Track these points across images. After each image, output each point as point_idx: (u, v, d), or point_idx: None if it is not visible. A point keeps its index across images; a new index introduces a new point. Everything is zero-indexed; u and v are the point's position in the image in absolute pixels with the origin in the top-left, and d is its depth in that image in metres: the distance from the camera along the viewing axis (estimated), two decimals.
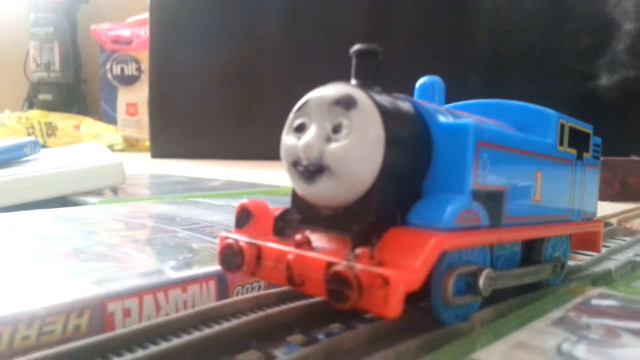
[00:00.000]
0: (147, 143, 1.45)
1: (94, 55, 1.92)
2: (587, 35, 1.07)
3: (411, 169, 0.19)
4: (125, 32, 1.81)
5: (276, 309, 0.20)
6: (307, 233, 0.18)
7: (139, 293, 0.20)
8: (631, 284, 0.28)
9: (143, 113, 1.75)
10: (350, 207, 0.18)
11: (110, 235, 0.29)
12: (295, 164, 0.18)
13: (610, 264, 0.32)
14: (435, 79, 0.24)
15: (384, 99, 0.18)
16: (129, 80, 1.83)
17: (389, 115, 0.18)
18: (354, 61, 0.19)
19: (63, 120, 1.71)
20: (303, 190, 0.18)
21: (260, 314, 0.20)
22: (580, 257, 0.34)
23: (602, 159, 0.90)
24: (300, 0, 1.28)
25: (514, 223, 0.22)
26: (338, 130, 0.17)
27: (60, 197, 0.48)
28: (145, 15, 1.48)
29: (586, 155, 0.28)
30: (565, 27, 1.12)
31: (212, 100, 1.36)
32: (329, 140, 0.17)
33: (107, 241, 0.27)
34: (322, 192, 0.18)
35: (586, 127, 0.28)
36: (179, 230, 0.31)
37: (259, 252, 0.18)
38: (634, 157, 0.82)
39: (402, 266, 0.16)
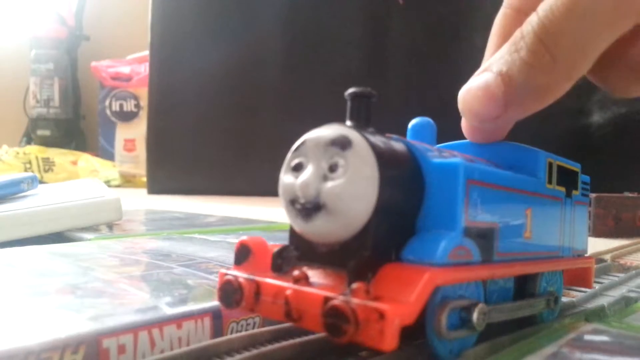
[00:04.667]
0: (144, 179, 1.45)
1: (93, 91, 1.94)
2: None
3: (404, 206, 0.20)
4: (125, 69, 1.84)
5: (270, 347, 0.20)
6: (305, 269, 0.19)
7: (134, 329, 0.20)
8: (625, 320, 0.28)
9: (140, 149, 1.76)
10: (346, 243, 0.18)
11: (106, 272, 0.29)
12: (293, 202, 0.19)
13: (604, 300, 0.32)
14: (427, 120, 0.24)
15: (378, 140, 0.19)
16: (128, 117, 1.85)
17: (383, 155, 0.18)
18: (348, 103, 0.20)
19: (60, 156, 1.72)
20: (300, 227, 0.19)
21: (255, 352, 0.20)
22: (574, 293, 0.34)
23: (595, 195, 0.90)
24: (298, 40, 1.31)
25: (505, 259, 0.22)
26: (334, 170, 0.18)
27: (56, 232, 0.48)
28: (145, 52, 1.51)
29: (575, 192, 0.28)
30: None
31: (209, 137, 1.37)
32: (325, 179, 0.18)
33: (103, 277, 0.27)
34: (319, 229, 0.18)
35: (574, 166, 0.28)
36: (175, 267, 0.31)
37: (257, 288, 0.19)
38: (627, 194, 0.82)
39: (397, 300, 0.16)
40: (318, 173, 0.18)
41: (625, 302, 0.32)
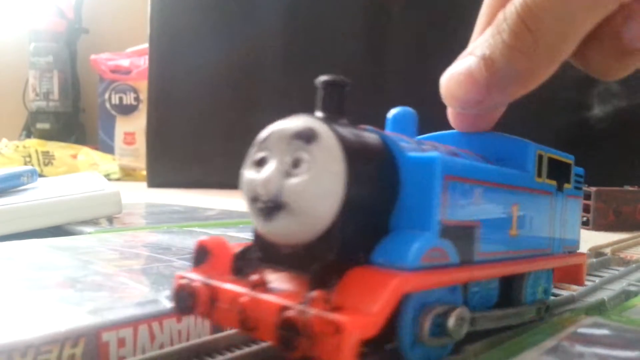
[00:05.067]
0: (144, 172, 1.45)
1: (93, 84, 1.93)
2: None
3: (376, 204, 0.18)
4: (125, 62, 1.83)
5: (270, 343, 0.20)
6: (267, 272, 0.18)
7: (133, 323, 0.20)
8: (624, 313, 0.28)
9: (140, 142, 1.76)
10: (310, 245, 0.17)
11: (106, 265, 0.29)
12: (254, 199, 0.17)
13: (604, 294, 0.32)
14: (408, 109, 0.23)
15: (348, 132, 0.18)
16: (127, 110, 1.84)
17: (351, 149, 0.17)
18: (319, 92, 0.18)
19: (60, 149, 1.72)
20: (262, 227, 0.18)
21: (255, 347, 0.20)
22: (574, 287, 0.34)
23: (596, 189, 0.90)
24: (298, 33, 1.30)
25: (487, 259, 0.21)
26: (298, 165, 0.17)
27: (56, 226, 0.48)
28: (145, 45, 1.50)
29: (567, 186, 0.27)
30: None
31: (209, 130, 1.37)
32: (288, 175, 0.17)
33: (103, 271, 0.27)
34: (280, 229, 0.17)
35: (567, 158, 0.27)
36: (175, 260, 0.31)
37: (213, 294, 0.17)
38: (627, 187, 0.82)
39: (358, 311, 0.15)
40: (281, 169, 0.17)
41: (625, 296, 0.32)
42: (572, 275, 0.29)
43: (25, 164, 1.60)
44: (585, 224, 0.79)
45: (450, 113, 0.25)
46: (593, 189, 0.78)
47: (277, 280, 0.17)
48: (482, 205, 0.20)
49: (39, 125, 1.95)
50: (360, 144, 0.18)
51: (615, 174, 0.96)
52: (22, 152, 1.66)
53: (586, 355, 0.21)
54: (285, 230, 0.17)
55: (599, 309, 0.29)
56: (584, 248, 0.48)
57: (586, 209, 0.79)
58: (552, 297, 0.30)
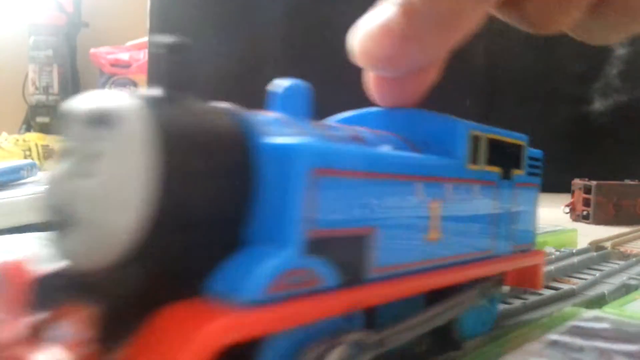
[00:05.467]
0: None
1: (92, 78, 1.93)
2: (580, 60, 1.09)
3: (216, 211, 0.13)
4: (124, 56, 1.83)
5: None
6: (70, 307, 0.13)
7: None
8: (624, 307, 0.28)
9: None
10: (109, 272, 0.12)
11: None
12: (48, 208, 0.13)
13: (604, 288, 0.32)
14: (298, 83, 0.18)
15: (179, 113, 0.13)
16: None
17: (173, 136, 0.12)
18: (152, 60, 0.16)
19: None
20: (54, 246, 0.13)
21: None
22: (575, 280, 0.34)
23: (596, 183, 0.90)
24: (299, 27, 1.30)
25: (388, 275, 0.16)
26: (93, 161, 0.12)
27: None
28: (144, 39, 1.50)
29: (517, 172, 0.23)
30: (558, 52, 1.14)
31: None
32: (80, 176, 0.12)
33: None
34: (72, 249, 0.13)
35: (517, 138, 0.23)
36: None
37: None
38: (628, 181, 0.82)
39: None
40: (73, 167, 0.13)
41: (625, 290, 0.32)
42: (528, 277, 0.25)
43: (25, 157, 1.60)
44: (585, 217, 0.79)
45: (368, 82, 0.21)
46: (593, 182, 0.79)
47: (72, 320, 0.13)
48: (378, 206, 0.16)
49: (39, 119, 1.95)
50: (193, 130, 0.13)
51: (615, 168, 0.96)
52: (22, 146, 1.65)
53: (586, 348, 0.21)
54: (78, 250, 0.13)
55: (599, 302, 0.29)
56: (584, 242, 0.48)
57: (586, 203, 0.79)
58: (551, 291, 0.30)
